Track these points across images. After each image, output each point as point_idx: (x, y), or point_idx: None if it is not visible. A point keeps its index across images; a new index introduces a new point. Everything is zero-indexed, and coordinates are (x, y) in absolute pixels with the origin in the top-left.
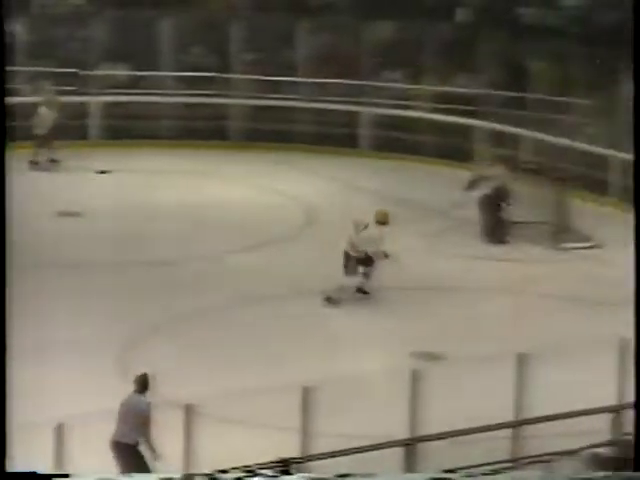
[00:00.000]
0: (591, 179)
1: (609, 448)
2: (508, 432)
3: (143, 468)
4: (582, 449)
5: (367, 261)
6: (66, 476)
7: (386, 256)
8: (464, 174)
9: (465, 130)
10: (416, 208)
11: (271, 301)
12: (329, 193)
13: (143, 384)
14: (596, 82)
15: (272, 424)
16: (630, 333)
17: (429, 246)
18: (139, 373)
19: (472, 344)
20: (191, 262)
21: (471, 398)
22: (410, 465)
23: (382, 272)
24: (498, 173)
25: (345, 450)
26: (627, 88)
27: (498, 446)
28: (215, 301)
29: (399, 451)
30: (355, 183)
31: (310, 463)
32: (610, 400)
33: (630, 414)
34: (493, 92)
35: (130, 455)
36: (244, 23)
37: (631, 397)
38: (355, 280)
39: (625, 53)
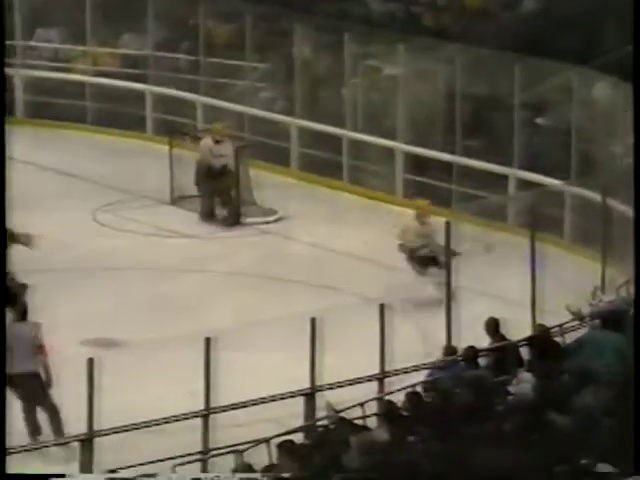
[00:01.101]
0: (270, 148)
1: (302, 435)
2: (198, 422)
3: (41, 396)
4: (274, 436)
5: None
6: (63, 476)
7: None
8: (137, 143)
9: (135, 96)
10: (84, 181)
11: None
12: None
13: (23, 311)
14: (269, 44)
15: None
16: (319, 312)
17: (99, 223)
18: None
19: (153, 327)
20: None
21: (154, 387)
22: (88, 462)
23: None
24: (228, 151)
25: (18, 448)
26: (299, 50)
27: (189, 437)
28: None
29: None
30: (11, 154)
31: None
32: (303, 383)
33: (322, 397)
34: (161, 54)
35: (29, 384)
36: None
37: (324, 379)
38: None
39: (296, 12)
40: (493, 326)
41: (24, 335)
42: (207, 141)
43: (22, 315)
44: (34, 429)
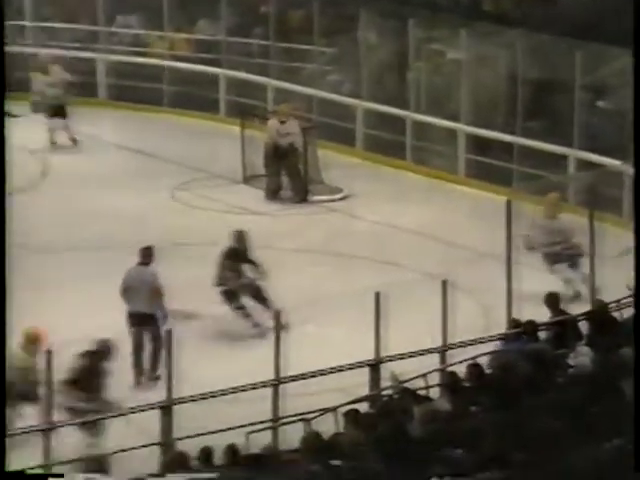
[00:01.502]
0: (337, 129)
1: (366, 404)
2: (269, 392)
3: (157, 334)
4: (341, 405)
5: None
6: (61, 476)
7: None
8: (211, 125)
9: (209, 79)
10: (161, 161)
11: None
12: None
13: (148, 256)
14: (336, 30)
15: None
16: (383, 286)
17: (177, 200)
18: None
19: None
20: None
21: (230, 358)
22: (168, 429)
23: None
24: (294, 129)
25: (101, 417)
26: (363, 34)
27: (258, 406)
28: None
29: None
30: (98, 136)
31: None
32: (368, 355)
33: (386, 368)
34: (233, 39)
35: (147, 324)
36: None
37: (389, 351)
38: None
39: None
40: (553, 301)
41: (145, 278)
42: (273, 122)
43: (145, 260)
44: (139, 371)
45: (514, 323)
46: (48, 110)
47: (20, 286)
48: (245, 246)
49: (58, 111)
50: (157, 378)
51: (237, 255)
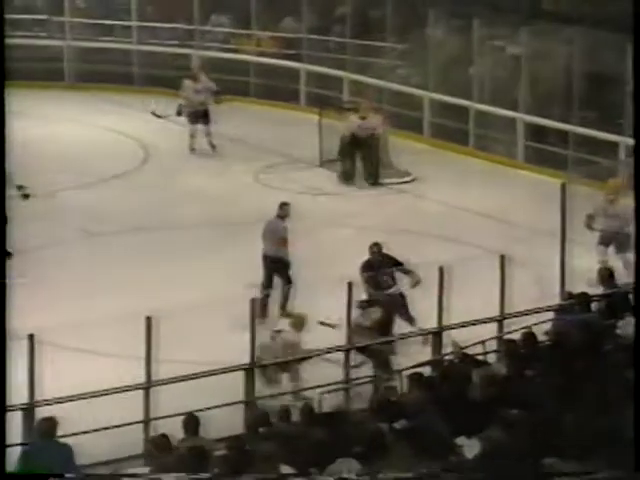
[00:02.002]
0: (405, 118)
1: (430, 368)
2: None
3: (286, 275)
4: (406, 369)
5: None
6: (62, 476)
7: None
8: (292, 114)
9: (291, 73)
10: (248, 146)
11: (108, 236)
12: (164, 132)
13: (285, 212)
14: (407, 28)
15: (116, 352)
16: (447, 261)
17: (261, 182)
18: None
19: (304, 273)
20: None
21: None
22: (251, 389)
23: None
24: (376, 122)
25: (189, 376)
26: (431, 32)
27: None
28: (52, 236)
29: (240, 375)
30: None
31: (156, 388)
32: (432, 323)
33: (448, 335)
34: (313, 37)
35: (275, 265)
36: None
37: (451, 320)
38: None
39: (432, 0)
40: (606, 274)
41: (277, 229)
42: (354, 118)
43: (280, 214)
44: (263, 311)
45: (568, 295)
46: (191, 115)
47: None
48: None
49: (201, 117)
50: (288, 315)
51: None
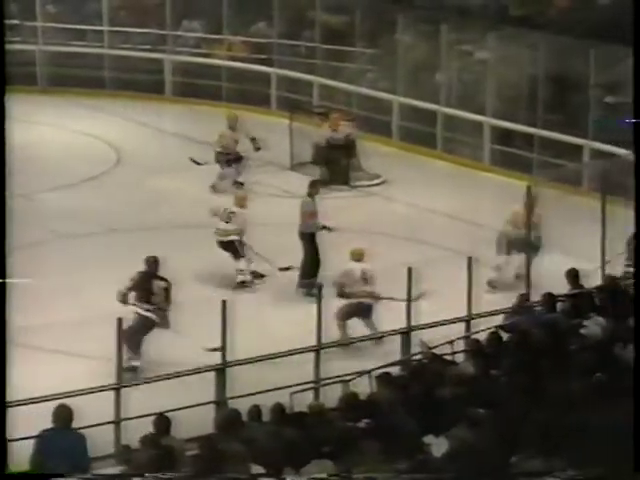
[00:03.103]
0: (375, 121)
1: (399, 368)
2: (310, 355)
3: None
4: (375, 369)
5: None
6: (62, 476)
7: None
8: (263, 118)
9: (262, 77)
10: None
11: (80, 238)
12: (137, 136)
13: (316, 189)
14: (375, 33)
15: (85, 353)
16: (415, 262)
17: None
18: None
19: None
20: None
21: (279, 325)
22: (221, 389)
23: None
24: (348, 130)
25: (159, 377)
26: (400, 37)
27: (302, 369)
28: (26, 238)
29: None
30: (162, 127)
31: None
32: (400, 323)
33: (417, 336)
34: (283, 42)
35: (310, 240)
36: None
37: (419, 320)
38: None
39: (399, 5)
40: (573, 276)
41: (306, 207)
42: (325, 129)
43: (312, 191)
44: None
45: (523, 297)
46: (227, 161)
47: None
48: None
49: (234, 161)
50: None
51: None
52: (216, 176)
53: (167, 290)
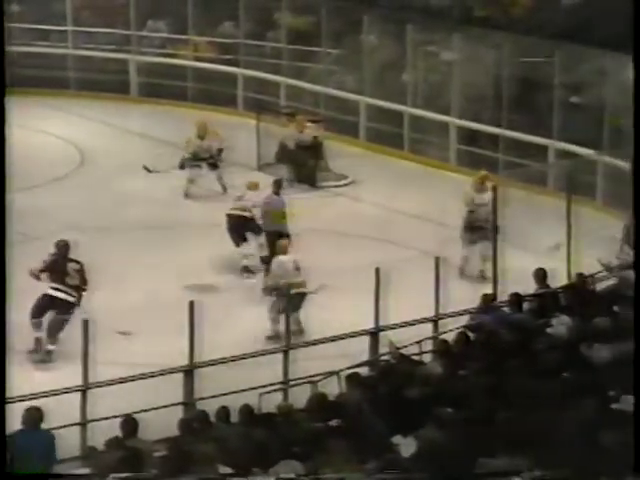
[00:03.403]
0: (342, 122)
1: (367, 368)
2: (280, 357)
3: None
4: (343, 370)
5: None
6: (62, 476)
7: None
8: (229, 118)
9: (228, 77)
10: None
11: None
12: (102, 136)
13: (279, 186)
14: (341, 33)
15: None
16: (383, 263)
17: (198, 185)
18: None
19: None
20: None
21: (243, 326)
22: (190, 390)
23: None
24: (315, 132)
25: (129, 377)
26: (367, 38)
27: (271, 370)
28: None
29: (179, 377)
30: (127, 127)
31: (93, 390)
32: (369, 324)
33: (385, 336)
34: (249, 42)
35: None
36: None
37: (387, 321)
38: None
39: (364, 5)
40: (541, 275)
41: (276, 204)
42: (291, 131)
43: (276, 190)
44: None
45: (488, 297)
46: (195, 165)
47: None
48: None
49: (208, 163)
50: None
51: None
52: (185, 181)
53: (80, 272)
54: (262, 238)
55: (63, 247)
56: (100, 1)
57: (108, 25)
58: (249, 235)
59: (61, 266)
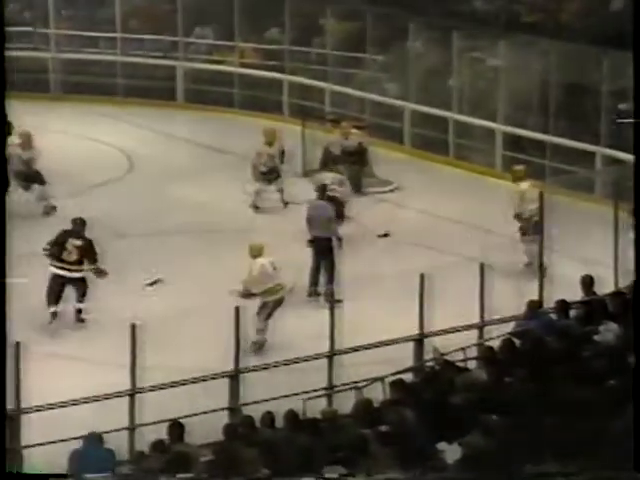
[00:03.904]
0: (387, 129)
1: (411, 374)
2: (324, 362)
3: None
4: (388, 375)
5: None
6: (64, 476)
7: None
8: (275, 125)
9: (274, 84)
10: (232, 156)
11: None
12: (150, 143)
13: (323, 192)
14: (387, 40)
15: (102, 360)
16: (427, 269)
17: (246, 192)
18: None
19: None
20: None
21: (289, 330)
22: (235, 395)
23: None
24: (359, 138)
25: (173, 383)
26: (412, 45)
27: (315, 376)
28: (40, 245)
29: (225, 382)
30: (174, 133)
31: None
32: (413, 330)
33: (430, 343)
34: (295, 48)
35: (325, 245)
36: None
37: (432, 327)
38: None
39: (410, 12)
40: (588, 282)
41: (323, 210)
42: (336, 137)
43: (322, 194)
44: (313, 283)
45: (534, 303)
46: (263, 175)
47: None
48: None
49: (273, 176)
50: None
51: None
52: (254, 193)
53: (80, 248)
54: None
55: (77, 224)
56: (147, 8)
57: (155, 32)
58: None
59: (60, 243)
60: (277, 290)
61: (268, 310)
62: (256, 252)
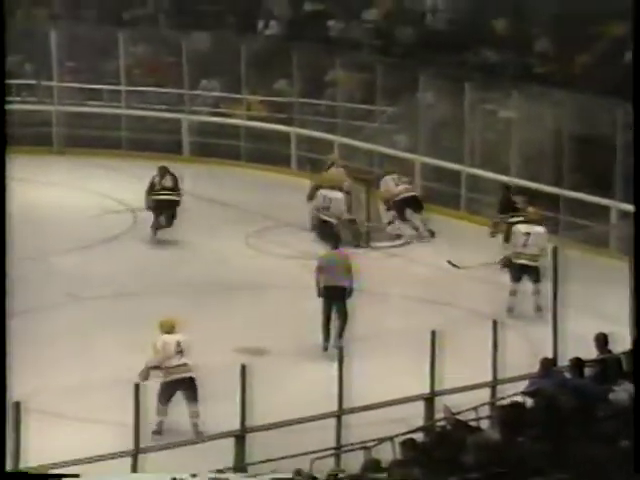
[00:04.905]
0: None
1: (422, 434)
2: (332, 421)
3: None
4: (398, 435)
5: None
6: (60, 476)
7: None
8: (283, 178)
9: (282, 136)
10: (238, 210)
11: (95, 301)
12: None
13: (337, 241)
14: (397, 91)
15: (103, 419)
16: (437, 325)
17: (251, 246)
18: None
19: (293, 339)
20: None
21: (295, 390)
22: (241, 455)
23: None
24: (347, 183)
25: (178, 442)
26: (423, 96)
27: (322, 435)
28: (40, 301)
29: (231, 442)
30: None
31: (142, 455)
32: (423, 388)
33: (441, 401)
34: (303, 100)
35: (337, 296)
36: (63, 32)
37: (443, 385)
38: None
39: (420, 63)
40: (602, 340)
41: (339, 261)
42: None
43: (335, 246)
44: (326, 336)
45: (547, 362)
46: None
47: None
48: None
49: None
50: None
51: None
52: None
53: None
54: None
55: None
56: (152, 60)
57: (160, 84)
58: None
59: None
60: (177, 371)
61: (170, 391)
62: (167, 328)
